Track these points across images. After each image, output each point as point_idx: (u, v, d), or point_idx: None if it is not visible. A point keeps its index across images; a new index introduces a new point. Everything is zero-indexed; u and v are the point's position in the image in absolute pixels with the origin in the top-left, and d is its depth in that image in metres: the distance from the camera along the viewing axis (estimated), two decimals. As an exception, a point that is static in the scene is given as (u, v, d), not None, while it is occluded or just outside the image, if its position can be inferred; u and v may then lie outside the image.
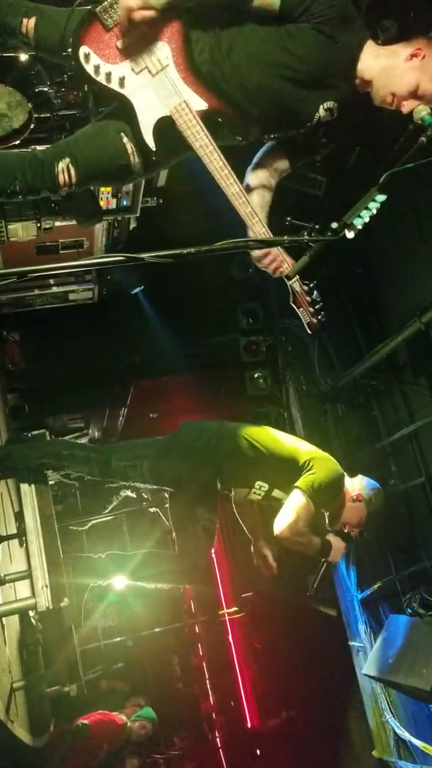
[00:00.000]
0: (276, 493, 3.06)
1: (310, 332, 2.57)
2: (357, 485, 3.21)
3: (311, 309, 2.48)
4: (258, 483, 3.06)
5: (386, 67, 2.26)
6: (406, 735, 5.04)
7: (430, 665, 4.31)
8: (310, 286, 2.47)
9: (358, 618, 5.69)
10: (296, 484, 2.96)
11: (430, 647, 4.47)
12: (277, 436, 3.19)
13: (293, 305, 2.52)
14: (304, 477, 2.97)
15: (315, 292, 2.46)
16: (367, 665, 5.18)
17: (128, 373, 6.07)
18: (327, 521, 3.15)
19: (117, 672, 6.51)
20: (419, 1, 3.61)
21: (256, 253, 2.53)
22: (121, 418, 6.64)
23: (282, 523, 2.90)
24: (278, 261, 2.49)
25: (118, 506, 6.85)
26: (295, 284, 2.47)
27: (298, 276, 2.42)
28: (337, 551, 3.07)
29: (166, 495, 3.27)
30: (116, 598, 5.95)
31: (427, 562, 5.39)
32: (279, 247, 2.47)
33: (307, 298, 2.47)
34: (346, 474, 3.21)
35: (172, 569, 3.25)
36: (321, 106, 2.35)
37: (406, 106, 2.23)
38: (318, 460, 3.07)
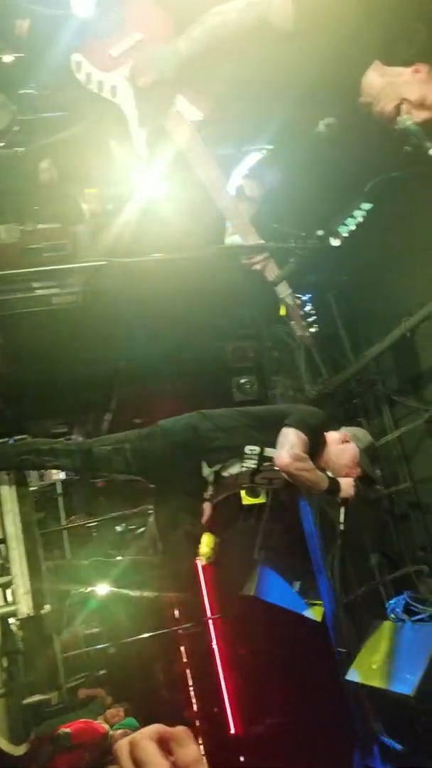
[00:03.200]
0: (268, 451, 3.10)
1: (302, 344, 2.59)
2: (341, 432, 3.35)
3: (303, 322, 2.49)
4: (248, 448, 3.09)
5: (392, 82, 2.33)
6: (389, 740, 5.03)
7: (414, 670, 4.31)
8: (303, 299, 2.48)
9: (343, 623, 5.67)
10: (283, 427, 3.06)
11: (414, 652, 4.47)
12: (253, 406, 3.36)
13: (286, 317, 2.52)
14: (289, 419, 3.09)
15: (308, 305, 2.48)
16: (350, 671, 5.17)
17: (113, 378, 6.02)
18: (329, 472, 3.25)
19: (100, 679, 6.46)
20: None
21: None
22: (105, 423, 6.58)
23: (281, 453, 2.98)
24: (264, 262, 2.49)
25: (104, 511, 6.82)
26: (287, 297, 2.47)
27: (291, 289, 2.43)
28: (346, 485, 3.14)
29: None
30: (99, 604, 5.91)
31: (410, 568, 5.40)
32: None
33: (300, 312, 2.48)
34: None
35: (155, 576, 3.24)
36: (321, 122, 2.35)
37: (417, 115, 2.27)
38: (296, 406, 3.29)
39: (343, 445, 3.25)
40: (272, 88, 2.29)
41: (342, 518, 3.12)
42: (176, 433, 3.09)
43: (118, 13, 2.24)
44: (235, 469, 3.12)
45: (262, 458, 3.10)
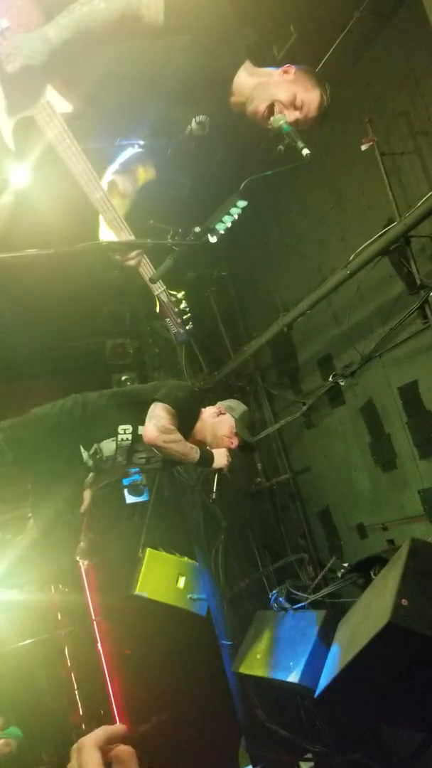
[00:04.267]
0: (141, 429, 3.08)
1: (177, 342, 2.56)
2: (216, 405, 3.40)
3: (178, 320, 2.47)
4: (121, 428, 3.07)
5: (263, 82, 2.35)
6: (275, 729, 5.15)
7: (297, 658, 4.43)
8: (177, 296, 2.46)
9: (227, 616, 5.75)
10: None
11: (296, 640, 4.60)
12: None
13: (161, 315, 2.49)
14: (157, 394, 3.10)
15: (183, 302, 2.46)
16: (235, 662, 5.25)
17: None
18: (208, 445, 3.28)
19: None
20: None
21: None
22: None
23: (148, 427, 2.97)
24: (137, 258, 2.45)
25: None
26: (162, 295, 2.45)
27: (164, 286, 2.41)
28: (219, 455, 3.18)
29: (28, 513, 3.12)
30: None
31: (291, 557, 5.57)
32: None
33: (174, 309, 2.46)
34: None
35: (39, 575, 3.14)
36: (193, 119, 2.34)
37: (290, 115, 2.31)
38: (166, 382, 3.28)
39: (219, 417, 3.31)
40: (145, 84, 2.25)
41: (215, 487, 3.17)
42: (51, 418, 3.01)
43: (-19, 0, 2.11)
44: (111, 452, 3.08)
45: (136, 437, 3.09)
